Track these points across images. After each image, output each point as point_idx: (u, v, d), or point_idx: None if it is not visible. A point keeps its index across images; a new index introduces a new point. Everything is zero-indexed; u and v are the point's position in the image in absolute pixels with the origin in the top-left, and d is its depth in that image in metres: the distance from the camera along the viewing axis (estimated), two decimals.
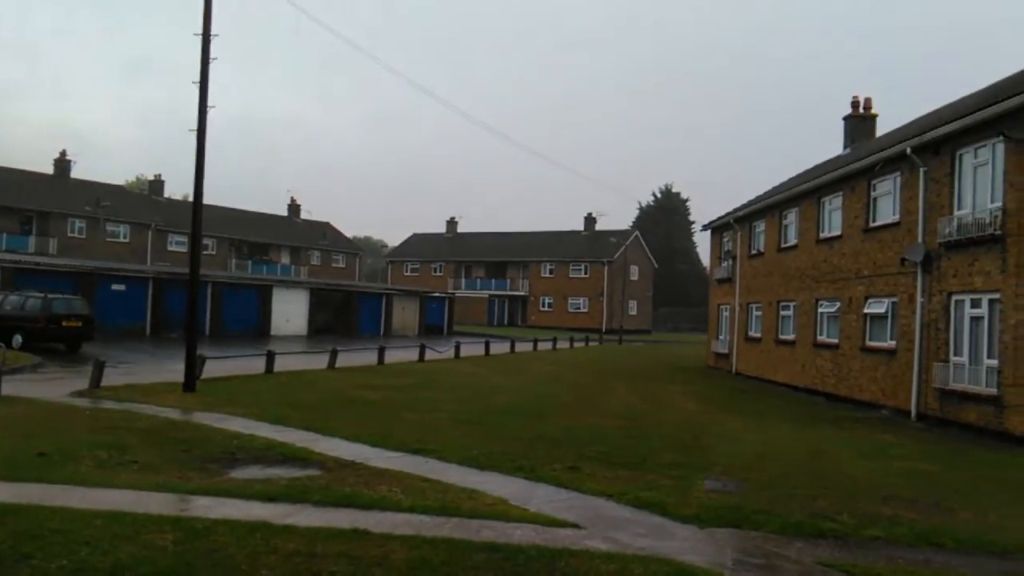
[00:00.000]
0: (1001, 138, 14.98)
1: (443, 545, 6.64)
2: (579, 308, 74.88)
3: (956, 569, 6.73)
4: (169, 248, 61.21)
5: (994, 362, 14.89)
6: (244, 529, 6.84)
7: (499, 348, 38.66)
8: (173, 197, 73.23)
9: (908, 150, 17.68)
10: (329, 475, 9.46)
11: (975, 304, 15.70)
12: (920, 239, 17.49)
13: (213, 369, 20.09)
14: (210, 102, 17.68)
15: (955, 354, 16.23)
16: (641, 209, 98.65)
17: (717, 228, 34.62)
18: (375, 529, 7.00)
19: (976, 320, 15.68)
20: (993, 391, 14.76)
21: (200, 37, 17.79)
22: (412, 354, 30.91)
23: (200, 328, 27.45)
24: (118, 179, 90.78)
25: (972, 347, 15.76)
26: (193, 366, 17.61)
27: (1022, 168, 14.37)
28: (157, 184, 68.38)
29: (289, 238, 74.46)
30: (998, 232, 14.77)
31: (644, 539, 7.21)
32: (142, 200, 65.27)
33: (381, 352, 27.56)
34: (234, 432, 12.20)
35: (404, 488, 8.77)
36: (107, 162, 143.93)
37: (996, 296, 14.96)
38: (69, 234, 55.10)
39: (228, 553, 6.21)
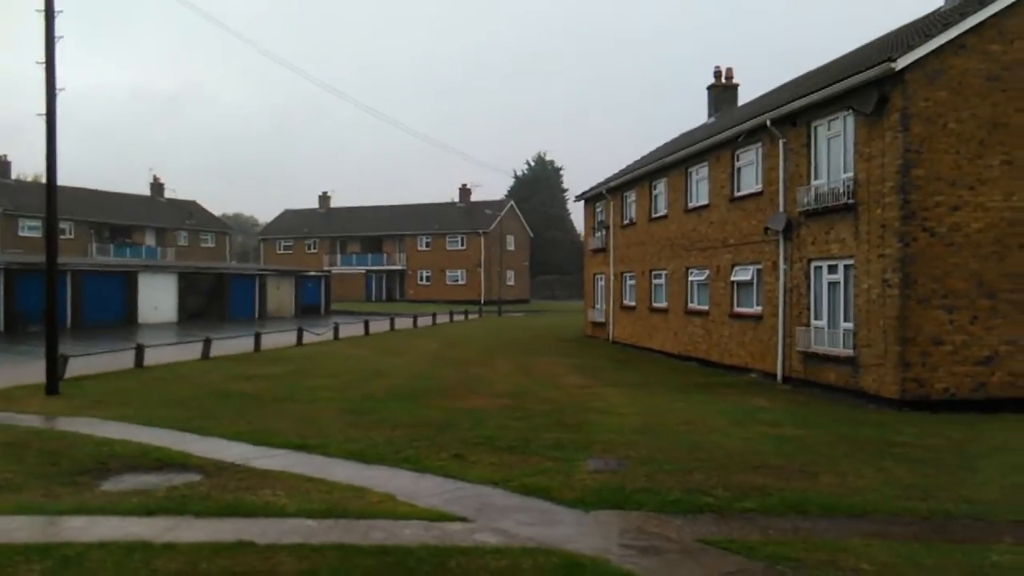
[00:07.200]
0: (851, 112, 15.82)
1: (332, 552, 6.56)
2: (457, 280, 75.04)
3: (821, 535, 7.16)
4: (21, 234, 57.54)
5: (850, 325, 15.84)
6: (122, 551, 6.54)
7: (379, 326, 38.32)
8: (23, 178, 68.78)
9: (768, 122, 18.41)
10: (210, 481, 9.15)
11: (832, 270, 16.60)
12: (781, 208, 18.31)
13: (78, 366, 19.06)
14: (59, 73, 16.61)
15: (815, 318, 17.16)
16: (516, 178, 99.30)
17: (590, 199, 35.24)
18: (260, 540, 6.84)
19: (833, 285, 16.59)
20: (850, 352, 15.71)
21: (43, 13, 16.62)
22: (290, 338, 30.25)
23: (61, 320, 25.97)
24: None
25: (831, 311, 16.69)
26: (55, 366, 16.61)
27: (870, 140, 15.22)
28: (3, 165, 63.82)
29: (153, 219, 71.27)
30: (851, 201, 15.63)
31: (532, 528, 7.34)
32: None
33: (257, 338, 26.84)
34: (105, 438, 11.58)
35: (289, 491, 8.58)
36: None
37: (850, 262, 15.87)
38: None
39: None
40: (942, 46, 14.47)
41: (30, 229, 57.56)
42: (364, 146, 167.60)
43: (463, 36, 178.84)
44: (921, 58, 14.39)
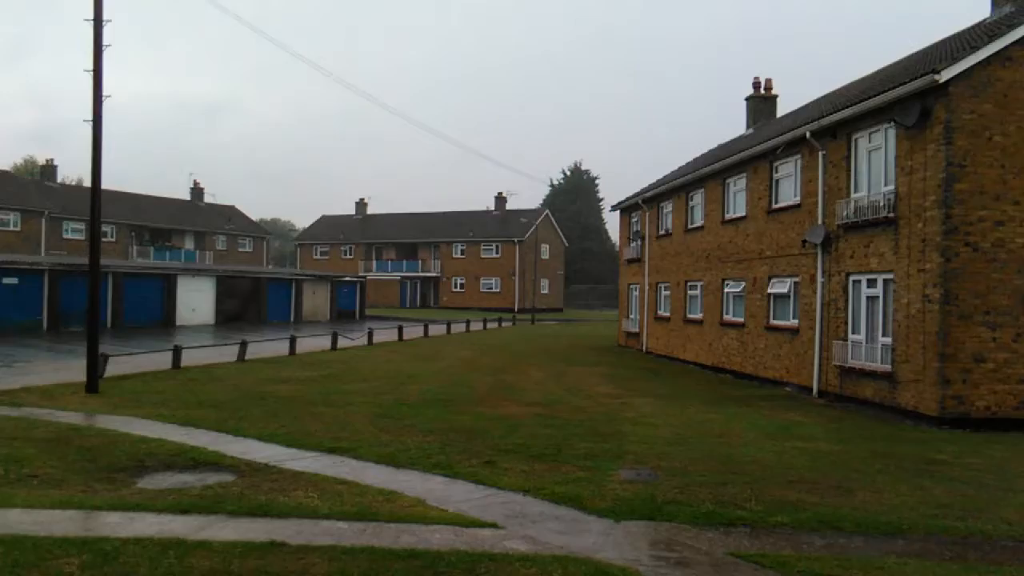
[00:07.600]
0: (892, 124, 15.62)
1: (363, 555, 6.59)
2: (491, 288, 75.11)
3: (856, 552, 7.05)
4: (65, 236, 58.63)
5: (888, 340, 15.60)
6: (157, 548, 6.64)
7: (413, 332, 38.49)
8: (67, 181, 70.13)
9: (807, 134, 18.25)
10: (244, 481, 9.26)
11: (871, 284, 16.38)
12: (820, 221, 18.11)
13: (118, 366, 19.40)
14: (106, 81, 16.96)
15: (853, 332, 16.93)
16: (552, 187, 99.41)
17: (626, 209, 35.12)
18: (293, 540, 6.90)
19: (872, 299, 16.37)
20: (887, 367, 15.47)
21: (91, 22, 16.98)
22: (324, 342, 30.50)
23: (102, 321, 26.38)
24: (3, 163, 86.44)
25: (868, 325, 16.46)
26: (95, 365, 16.92)
27: (912, 153, 15.01)
28: (49, 169, 65.15)
29: (193, 223, 72.23)
30: (891, 215, 15.42)
31: (562, 536, 7.31)
32: (33, 186, 62.21)
33: (292, 342, 27.08)
34: (142, 436, 11.79)
35: (321, 492, 8.66)
36: None
37: (890, 276, 15.65)
38: None
39: None
40: (988, 58, 14.24)
41: (73, 231, 58.63)
42: (400, 153, 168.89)
43: (500, 37, 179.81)
44: (966, 70, 14.17)
